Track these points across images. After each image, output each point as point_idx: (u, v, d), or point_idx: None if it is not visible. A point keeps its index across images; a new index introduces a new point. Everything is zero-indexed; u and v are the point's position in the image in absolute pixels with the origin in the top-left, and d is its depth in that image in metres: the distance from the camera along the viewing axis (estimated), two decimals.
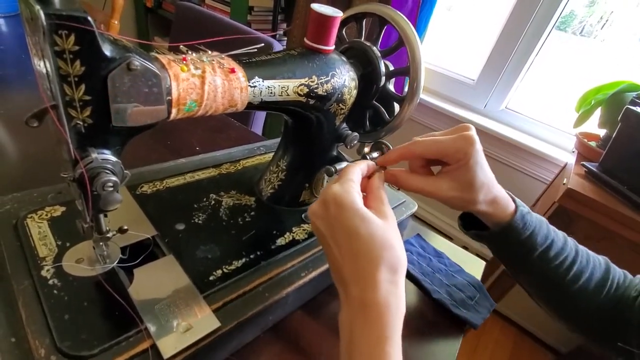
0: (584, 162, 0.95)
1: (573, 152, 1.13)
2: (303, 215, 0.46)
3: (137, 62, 0.22)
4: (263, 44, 0.31)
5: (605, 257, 0.40)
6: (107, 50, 0.21)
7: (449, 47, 1.67)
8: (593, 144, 1.07)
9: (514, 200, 0.38)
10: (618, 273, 0.39)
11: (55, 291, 0.30)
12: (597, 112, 1.07)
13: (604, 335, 0.38)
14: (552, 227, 0.39)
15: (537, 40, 1.27)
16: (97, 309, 0.30)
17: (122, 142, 0.26)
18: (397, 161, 0.37)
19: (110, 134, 0.24)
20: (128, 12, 2.00)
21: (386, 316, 0.27)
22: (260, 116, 1.11)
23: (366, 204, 0.32)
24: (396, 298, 0.28)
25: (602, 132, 1.09)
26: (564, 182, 0.90)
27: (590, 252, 0.39)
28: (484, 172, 0.34)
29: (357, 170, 0.34)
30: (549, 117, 1.39)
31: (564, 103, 1.41)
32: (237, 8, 1.55)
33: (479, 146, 0.34)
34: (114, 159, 0.25)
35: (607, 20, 1.44)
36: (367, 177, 0.36)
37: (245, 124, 1.02)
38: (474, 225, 0.41)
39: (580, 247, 0.39)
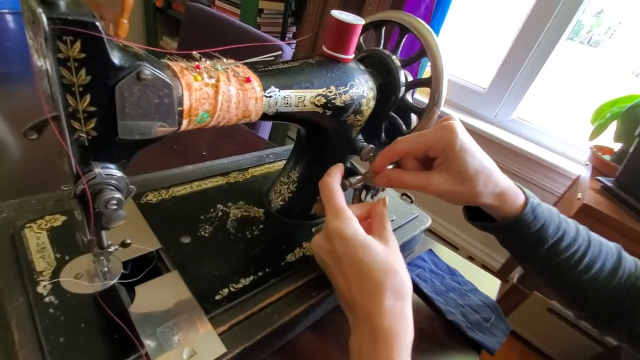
0: (599, 177, 0.93)
1: (586, 165, 1.10)
2: (314, 229, 0.44)
3: (148, 71, 0.21)
4: (281, 52, 0.30)
5: (617, 244, 0.39)
6: (116, 58, 0.20)
7: (460, 55, 1.65)
8: (607, 157, 1.04)
9: (523, 192, 0.36)
10: (629, 262, 0.38)
11: (51, 310, 0.28)
12: (613, 125, 1.04)
13: (612, 323, 0.38)
14: (563, 217, 0.37)
15: (550, 51, 1.25)
16: (95, 331, 0.28)
17: (128, 156, 0.24)
18: (387, 164, 0.37)
19: (116, 147, 0.22)
20: (137, 11, 1.99)
21: (393, 341, 0.27)
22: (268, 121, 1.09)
23: (369, 230, 0.33)
24: (403, 323, 0.29)
25: (617, 146, 1.06)
26: (579, 196, 0.88)
27: (603, 240, 0.38)
28: (477, 159, 0.33)
29: (340, 195, 0.34)
30: (559, 128, 1.36)
31: (573, 113, 1.38)
32: (247, 10, 1.54)
33: (462, 134, 0.33)
34: (118, 174, 0.23)
35: (615, 31, 1.42)
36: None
37: (252, 129, 1.00)
38: (480, 216, 0.40)
39: (593, 235, 0.38)
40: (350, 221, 0.32)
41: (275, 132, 1.69)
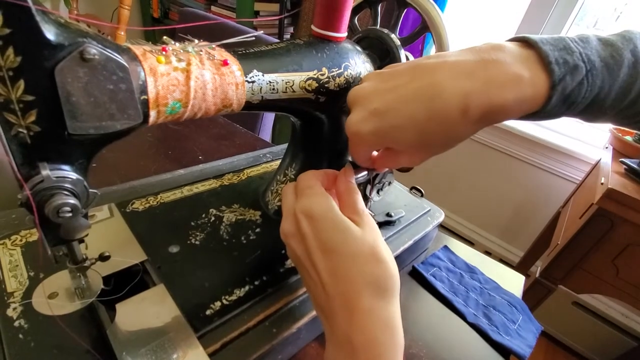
0: (623, 159, 0.87)
1: (606, 147, 1.04)
2: None
3: (94, 49, 0.17)
4: (254, 37, 0.26)
5: None
6: (51, 33, 0.16)
7: (463, 42, 1.60)
8: (629, 138, 0.98)
9: (549, 70, 0.22)
10: None
11: (20, 335, 0.25)
12: None
13: None
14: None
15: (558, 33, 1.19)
16: (69, 358, 0.25)
17: (87, 155, 0.21)
18: (367, 163, 0.31)
19: (68, 144, 0.19)
20: (134, 22, 2.00)
21: (379, 357, 0.23)
22: (268, 122, 1.06)
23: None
24: (390, 330, 0.24)
25: None
26: (602, 181, 0.82)
27: None
28: (409, 130, 0.24)
29: (312, 177, 0.29)
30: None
31: None
32: (242, 13, 1.52)
33: (366, 126, 0.25)
34: (74, 176, 0.20)
35: (621, 12, 1.36)
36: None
37: (253, 131, 0.97)
38: None
39: None
40: (321, 196, 0.26)
41: (278, 134, 1.66)
